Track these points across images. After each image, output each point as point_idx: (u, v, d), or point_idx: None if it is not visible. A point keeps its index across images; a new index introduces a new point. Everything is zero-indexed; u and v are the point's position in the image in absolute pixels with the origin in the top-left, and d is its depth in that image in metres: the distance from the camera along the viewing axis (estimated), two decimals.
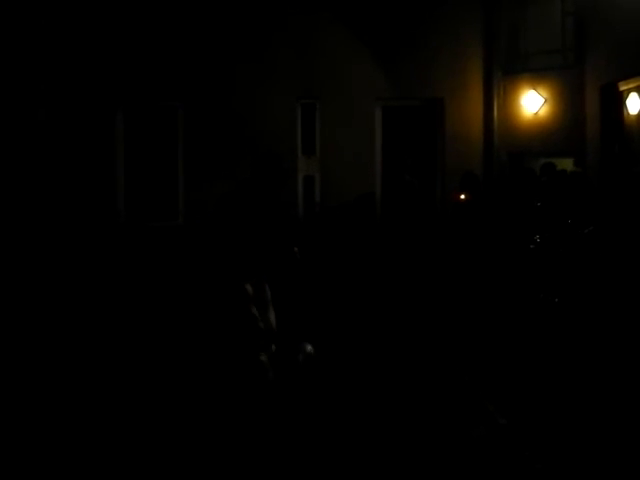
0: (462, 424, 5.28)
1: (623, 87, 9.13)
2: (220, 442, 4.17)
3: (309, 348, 4.48)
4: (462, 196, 9.14)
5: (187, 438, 4.72)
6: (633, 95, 8.86)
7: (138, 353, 6.93)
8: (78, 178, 10.42)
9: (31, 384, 6.09)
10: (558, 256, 7.19)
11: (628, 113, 9.05)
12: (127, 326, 7.86)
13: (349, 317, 8.25)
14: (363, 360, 6.92)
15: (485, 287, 7.99)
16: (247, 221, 4.90)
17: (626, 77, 8.97)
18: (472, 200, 8.85)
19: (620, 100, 9.23)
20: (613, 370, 5.81)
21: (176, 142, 10.88)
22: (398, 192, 10.34)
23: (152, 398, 5.66)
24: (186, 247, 9.55)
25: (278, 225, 5.31)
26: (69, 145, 10.45)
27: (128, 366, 6.61)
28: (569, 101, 10.41)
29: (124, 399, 5.71)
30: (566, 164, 9.90)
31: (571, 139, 10.29)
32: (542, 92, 10.61)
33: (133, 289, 9.07)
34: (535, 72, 10.72)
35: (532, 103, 10.68)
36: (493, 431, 5.14)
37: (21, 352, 6.94)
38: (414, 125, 11.25)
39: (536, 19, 10.81)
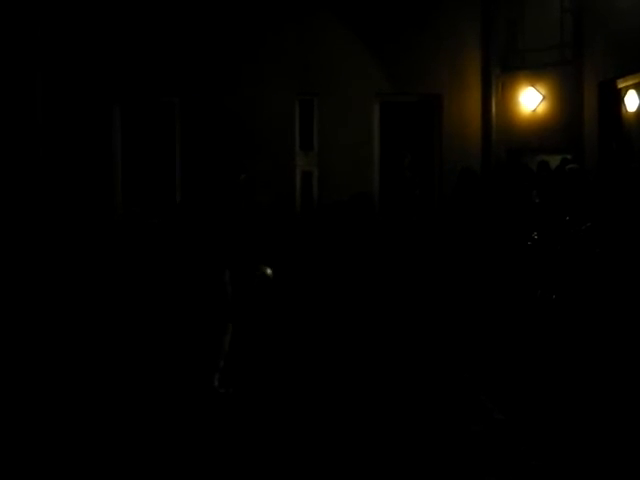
0: (460, 420, 5.29)
1: (621, 84, 9.13)
2: None
3: (268, 271, 5.63)
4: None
5: None
6: (631, 92, 8.86)
7: (133, 347, 6.98)
8: (75, 173, 10.39)
9: (27, 378, 6.10)
10: (556, 253, 7.20)
11: (626, 110, 9.05)
12: (123, 320, 7.87)
13: (348, 314, 8.25)
14: (360, 357, 6.92)
15: (483, 284, 8.00)
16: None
17: (624, 74, 8.97)
18: (470, 197, 8.84)
19: (618, 97, 9.23)
20: (610, 366, 5.83)
21: (173, 138, 10.85)
22: (397, 188, 10.33)
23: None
24: (182, 244, 9.52)
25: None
26: (66, 140, 10.42)
27: (124, 357, 6.65)
28: (567, 98, 10.40)
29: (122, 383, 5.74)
30: None
31: (569, 136, 10.29)
32: (540, 89, 10.61)
33: (129, 284, 9.07)
34: (533, 69, 10.70)
35: (530, 100, 10.67)
36: (490, 427, 5.15)
37: (18, 346, 6.94)
38: (412, 121, 11.23)
39: (534, 16, 10.79)
